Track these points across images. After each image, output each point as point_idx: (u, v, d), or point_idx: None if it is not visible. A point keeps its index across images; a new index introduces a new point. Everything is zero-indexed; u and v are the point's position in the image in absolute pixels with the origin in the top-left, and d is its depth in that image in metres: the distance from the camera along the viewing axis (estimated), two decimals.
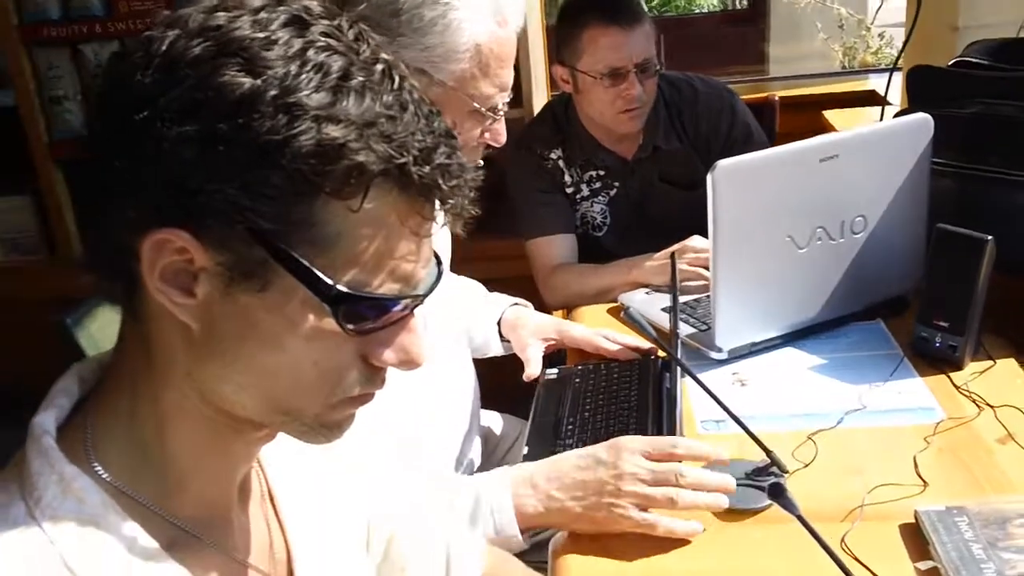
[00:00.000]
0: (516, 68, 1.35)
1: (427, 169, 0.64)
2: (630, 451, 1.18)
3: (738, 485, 1.22)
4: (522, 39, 2.26)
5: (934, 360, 1.49)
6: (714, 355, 1.51)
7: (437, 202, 0.67)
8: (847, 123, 2.55)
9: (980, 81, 1.60)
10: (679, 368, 1.28)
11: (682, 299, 1.73)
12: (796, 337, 1.58)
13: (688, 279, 1.76)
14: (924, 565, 1.06)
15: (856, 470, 1.26)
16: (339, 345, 0.67)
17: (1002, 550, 1.05)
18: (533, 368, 1.54)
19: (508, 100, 1.30)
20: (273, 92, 0.60)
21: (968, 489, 1.20)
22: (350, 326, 0.65)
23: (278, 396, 0.69)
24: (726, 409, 1.21)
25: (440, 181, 0.65)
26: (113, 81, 0.65)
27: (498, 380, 1.69)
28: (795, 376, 1.49)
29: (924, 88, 1.67)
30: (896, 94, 2.66)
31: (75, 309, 1.59)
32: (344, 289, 0.64)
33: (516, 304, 1.69)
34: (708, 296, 1.71)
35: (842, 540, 1.12)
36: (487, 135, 1.29)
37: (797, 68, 3.93)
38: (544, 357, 1.59)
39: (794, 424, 1.36)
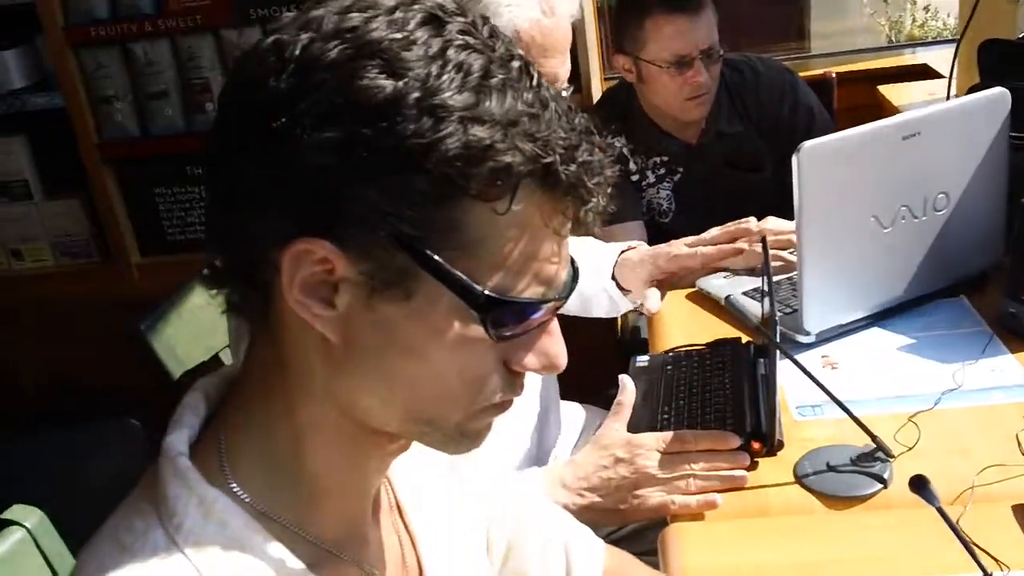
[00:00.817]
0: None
1: (572, 167, 0.62)
2: (646, 447, 1.25)
3: (844, 472, 1.22)
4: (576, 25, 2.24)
5: (1023, 336, 1.47)
6: (801, 338, 1.50)
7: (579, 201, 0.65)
8: (903, 98, 2.52)
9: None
10: (777, 354, 1.28)
11: (759, 282, 1.72)
12: (881, 317, 1.57)
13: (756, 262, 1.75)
14: None
15: (960, 451, 1.25)
16: (483, 352, 0.65)
17: None
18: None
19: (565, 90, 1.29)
20: (416, 94, 0.58)
21: None
22: (496, 332, 0.64)
23: (420, 406, 0.67)
24: (831, 395, 1.21)
25: (585, 179, 0.63)
26: (244, 87, 0.63)
27: (578, 371, 1.68)
28: (885, 357, 1.48)
29: (997, 62, 1.65)
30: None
31: (148, 315, 1.60)
32: (492, 294, 0.62)
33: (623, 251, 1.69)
34: (787, 278, 1.71)
35: (957, 523, 1.11)
36: None
37: (841, 44, 3.88)
38: (628, 344, 1.59)
39: (890, 407, 1.34)
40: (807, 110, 2.09)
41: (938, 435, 1.28)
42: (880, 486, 1.20)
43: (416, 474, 0.85)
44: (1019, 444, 1.24)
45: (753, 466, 1.25)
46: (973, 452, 1.24)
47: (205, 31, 2.46)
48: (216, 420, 0.71)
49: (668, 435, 1.26)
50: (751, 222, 1.71)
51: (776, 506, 1.20)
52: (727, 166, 2.11)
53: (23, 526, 1.06)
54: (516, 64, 0.62)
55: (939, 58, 2.86)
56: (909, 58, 3.04)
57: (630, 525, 1.38)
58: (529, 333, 0.66)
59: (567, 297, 0.68)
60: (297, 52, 0.60)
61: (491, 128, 0.59)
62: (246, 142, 0.62)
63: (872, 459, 1.22)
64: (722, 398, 1.36)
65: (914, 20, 3.84)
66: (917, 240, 1.55)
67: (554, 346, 0.68)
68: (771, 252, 1.73)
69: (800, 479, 1.23)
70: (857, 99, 2.54)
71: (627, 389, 1.33)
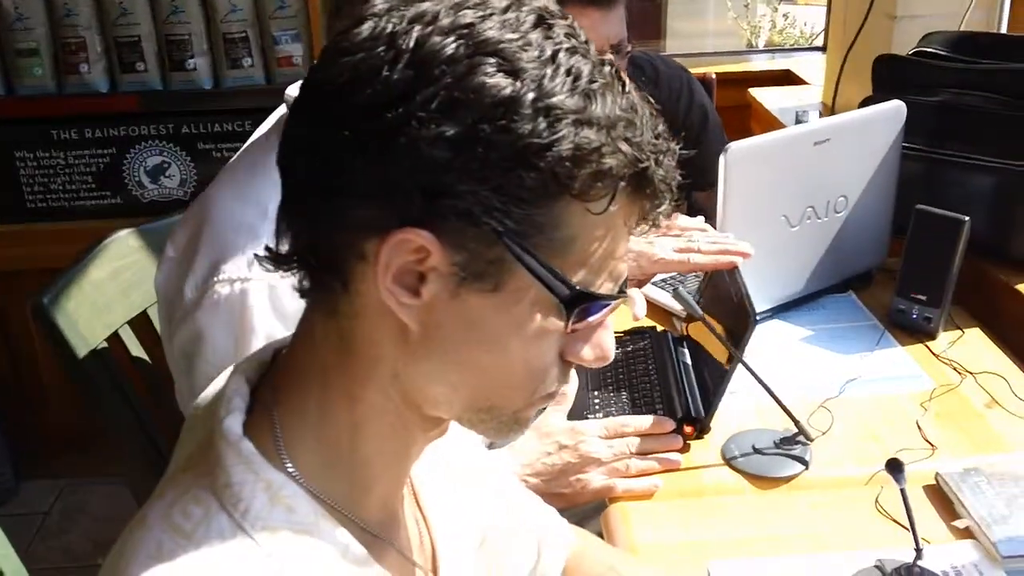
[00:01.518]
0: None
1: (661, 172, 0.65)
2: (588, 433, 1.29)
3: (769, 454, 1.30)
4: None
5: (911, 330, 1.61)
6: None
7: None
8: (773, 103, 2.67)
9: (947, 72, 1.71)
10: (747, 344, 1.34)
11: (667, 275, 1.80)
12: (782, 310, 1.67)
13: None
14: (961, 524, 1.16)
15: (870, 436, 1.35)
16: (551, 344, 0.67)
17: (1021, 508, 1.16)
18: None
19: None
20: (532, 95, 0.60)
21: (970, 450, 1.31)
22: (573, 326, 0.66)
23: (486, 395, 0.69)
24: (766, 387, 1.28)
25: (668, 183, 0.66)
26: (347, 76, 0.62)
27: None
28: (789, 348, 1.58)
29: (891, 76, 1.78)
30: (818, 74, 2.81)
31: (49, 288, 1.52)
32: (581, 290, 0.64)
33: None
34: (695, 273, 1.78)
35: (876, 502, 1.21)
36: None
37: (699, 45, 4.04)
38: None
39: (799, 394, 1.44)
40: (701, 109, 2.18)
41: (847, 421, 1.39)
42: (802, 468, 1.28)
43: (426, 460, 0.86)
44: (920, 430, 1.36)
45: (685, 448, 1.32)
46: (881, 437, 1.35)
47: None
48: (262, 403, 0.70)
49: (608, 421, 1.31)
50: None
51: (709, 486, 1.27)
52: None
53: None
54: (607, 69, 0.64)
55: (799, 64, 3.03)
56: (772, 63, 3.21)
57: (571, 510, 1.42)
58: (590, 326, 0.69)
59: (627, 294, 0.71)
60: (412, 44, 0.60)
61: (598, 131, 0.61)
62: (355, 130, 0.61)
63: (793, 442, 1.31)
64: (648, 384, 1.42)
65: (774, 26, 4.05)
66: (818, 239, 1.66)
67: (608, 339, 0.70)
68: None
69: (728, 461, 1.31)
70: (730, 100, 2.66)
71: (571, 379, 1.36)
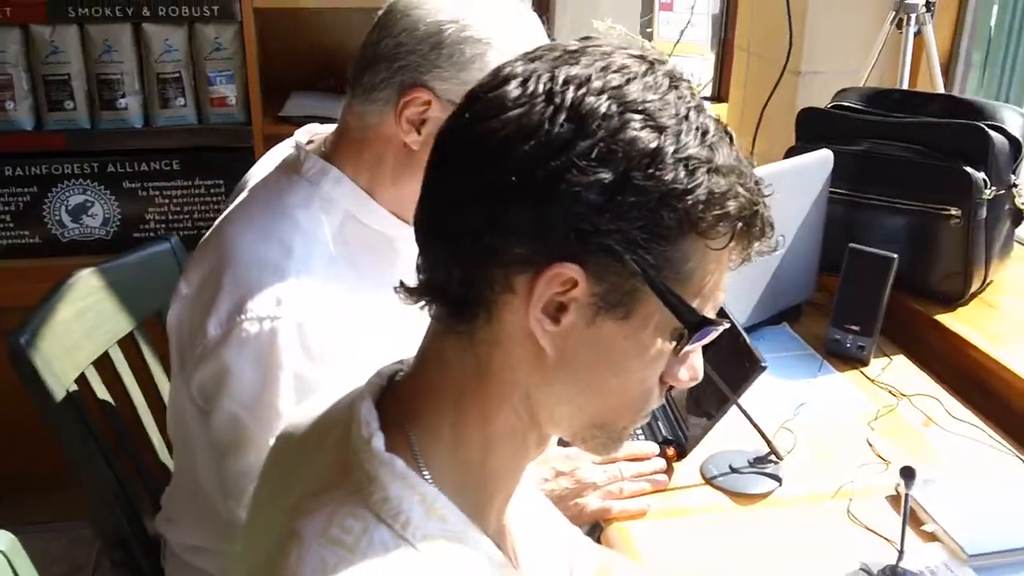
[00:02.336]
0: None
1: (766, 213, 0.74)
2: (583, 459, 1.37)
3: (745, 473, 1.41)
4: None
5: (845, 358, 1.75)
6: None
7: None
8: None
9: (865, 124, 1.89)
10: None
11: None
12: None
13: None
14: (928, 528, 1.28)
15: (828, 454, 1.48)
16: (660, 366, 0.75)
17: (976, 513, 1.30)
18: None
19: None
20: (672, 147, 0.68)
21: (919, 464, 1.44)
22: (683, 349, 0.74)
23: (604, 413, 0.77)
24: (745, 412, 1.39)
25: (772, 224, 0.75)
26: (507, 129, 0.69)
27: None
28: None
29: (813, 127, 1.95)
30: None
31: (23, 329, 1.50)
32: (704, 316, 0.73)
33: None
34: None
35: (848, 512, 1.33)
36: None
37: None
38: None
39: (758, 418, 1.55)
40: None
41: (806, 441, 1.51)
42: (776, 484, 1.40)
43: None
44: (871, 447, 1.50)
45: (669, 471, 1.41)
46: (838, 455, 1.48)
47: (13, 25, 2.28)
48: (393, 424, 0.75)
49: None
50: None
51: (696, 505, 1.37)
52: None
53: None
54: (720, 124, 0.74)
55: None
56: None
57: None
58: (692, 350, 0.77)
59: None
60: (569, 102, 0.68)
61: (724, 178, 0.70)
62: (521, 176, 0.68)
63: (766, 461, 1.43)
64: None
65: None
66: (760, 275, 1.80)
67: (700, 362, 0.79)
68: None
69: (709, 480, 1.41)
70: None
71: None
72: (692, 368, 0.78)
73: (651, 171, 0.68)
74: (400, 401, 0.77)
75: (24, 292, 2.36)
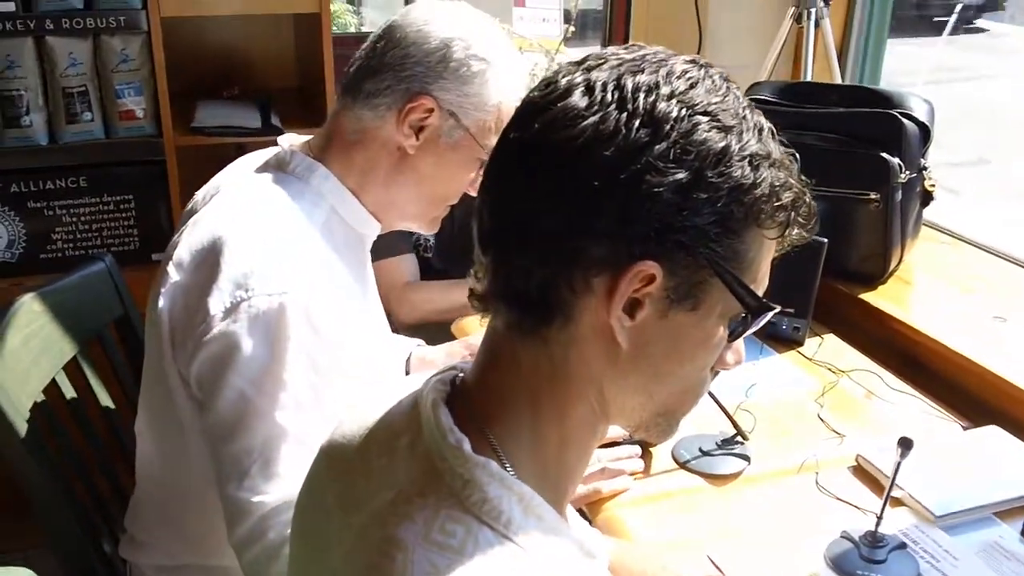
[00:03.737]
0: None
1: (811, 203, 0.79)
2: None
3: (716, 455, 1.48)
4: None
5: (782, 340, 1.85)
6: None
7: None
8: None
9: (784, 116, 1.99)
10: None
11: None
12: None
13: None
14: (895, 493, 1.37)
15: (785, 431, 1.56)
16: (718, 352, 0.80)
17: (935, 476, 1.41)
18: None
19: None
20: (738, 145, 0.73)
21: (871, 434, 1.55)
22: (740, 334, 0.79)
23: (672, 401, 0.81)
24: (713, 397, 1.46)
25: (816, 212, 0.80)
26: (583, 136, 0.72)
27: None
28: None
29: None
30: None
31: None
32: (765, 302, 0.77)
33: (419, 344, 1.70)
34: None
35: (817, 483, 1.42)
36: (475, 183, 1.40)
37: None
38: None
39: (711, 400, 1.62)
40: None
41: (762, 420, 1.59)
42: (746, 463, 1.47)
43: None
44: (823, 422, 1.59)
45: (647, 456, 1.47)
46: (794, 431, 1.56)
47: None
48: (470, 427, 0.76)
49: None
50: None
51: (675, 488, 1.43)
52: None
53: None
54: (767, 121, 0.79)
55: None
56: None
57: None
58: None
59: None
60: (643, 108, 0.72)
61: (781, 171, 0.76)
62: (603, 179, 0.71)
63: (733, 442, 1.50)
64: None
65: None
66: None
67: (743, 346, 0.84)
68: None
69: (683, 464, 1.47)
70: None
71: None
72: (737, 352, 0.83)
73: (721, 169, 0.72)
74: (473, 405, 0.79)
75: None
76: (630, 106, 0.72)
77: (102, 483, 1.63)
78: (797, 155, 0.80)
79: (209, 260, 1.22)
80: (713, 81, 0.75)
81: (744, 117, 0.75)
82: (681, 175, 0.71)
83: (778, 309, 0.80)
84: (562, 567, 0.74)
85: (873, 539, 1.24)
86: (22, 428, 1.41)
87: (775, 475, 1.46)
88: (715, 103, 0.74)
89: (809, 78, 2.33)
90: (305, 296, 1.19)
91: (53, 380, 1.59)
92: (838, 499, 1.39)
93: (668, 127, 0.71)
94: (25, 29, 2.22)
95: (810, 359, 1.79)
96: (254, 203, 1.29)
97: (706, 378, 0.82)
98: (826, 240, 1.80)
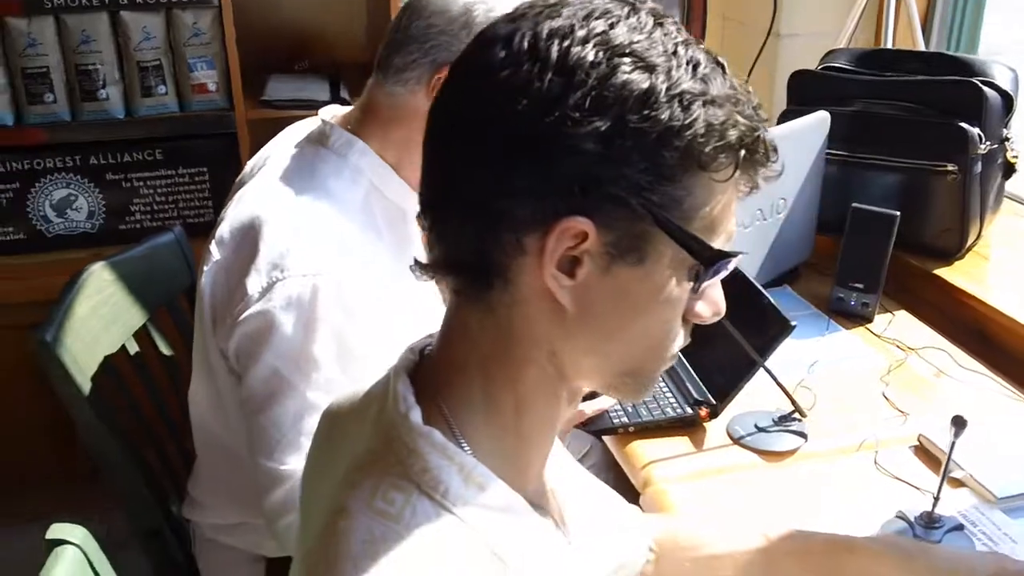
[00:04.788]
0: None
1: (768, 138, 0.73)
2: None
3: (772, 431, 1.44)
4: None
5: (850, 316, 1.79)
6: None
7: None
8: None
9: (857, 84, 1.92)
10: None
11: None
12: None
13: None
14: (956, 474, 1.33)
15: (848, 409, 1.52)
16: (680, 305, 0.74)
17: (1000, 457, 1.35)
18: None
19: None
20: (665, 85, 0.67)
21: (936, 414, 1.49)
22: (701, 285, 0.73)
23: (631, 359, 0.76)
24: (770, 373, 1.42)
25: (775, 148, 0.74)
26: (499, 94, 0.68)
27: None
28: None
29: (805, 90, 1.98)
30: None
31: (47, 326, 1.48)
32: (717, 249, 0.72)
33: None
34: None
35: (875, 463, 1.37)
36: None
37: None
38: None
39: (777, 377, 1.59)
40: None
41: (824, 398, 1.54)
42: (803, 440, 1.43)
43: None
44: (887, 400, 1.54)
45: (701, 431, 1.44)
46: (857, 409, 1.52)
47: None
48: (426, 397, 0.76)
49: None
50: None
51: (727, 464, 1.40)
52: None
53: (74, 543, 0.98)
54: (712, 55, 0.73)
55: None
56: None
57: None
58: (711, 285, 0.77)
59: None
60: (555, 56, 0.68)
61: (720, 108, 0.70)
62: (518, 137, 0.68)
63: (790, 419, 1.46)
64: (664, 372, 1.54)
65: None
66: (763, 238, 1.83)
67: (720, 296, 0.78)
68: None
69: (737, 440, 1.44)
70: None
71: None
72: (713, 303, 0.77)
73: (646, 112, 0.67)
74: (431, 374, 0.78)
75: (12, 290, 2.36)
76: (543, 55, 0.68)
77: (170, 447, 1.68)
78: (751, 89, 0.74)
79: (248, 240, 1.25)
80: (639, 18, 0.70)
81: (675, 53, 0.69)
82: (600, 124, 0.66)
83: (737, 255, 0.75)
84: (498, 538, 0.72)
85: (929, 519, 1.20)
86: (87, 390, 1.45)
87: (832, 453, 1.42)
88: (639, 41, 0.69)
89: (890, 46, 2.24)
90: (339, 277, 1.22)
91: (123, 347, 1.63)
92: (897, 478, 1.34)
93: (583, 74, 0.67)
94: (100, 4, 2.27)
95: (878, 336, 1.74)
96: (292, 182, 1.30)
97: (674, 333, 0.76)
98: (898, 213, 1.73)
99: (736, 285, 1.54)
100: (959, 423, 1.09)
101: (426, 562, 0.67)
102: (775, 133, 1.79)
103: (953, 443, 1.10)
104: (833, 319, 1.79)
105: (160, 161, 2.47)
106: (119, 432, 1.49)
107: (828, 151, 1.89)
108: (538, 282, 0.70)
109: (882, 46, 2.24)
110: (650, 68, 0.68)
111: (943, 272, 1.87)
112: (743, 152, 0.71)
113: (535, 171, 0.67)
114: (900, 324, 1.78)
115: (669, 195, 0.69)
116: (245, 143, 2.45)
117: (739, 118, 0.70)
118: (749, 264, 1.82)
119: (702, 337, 1.59)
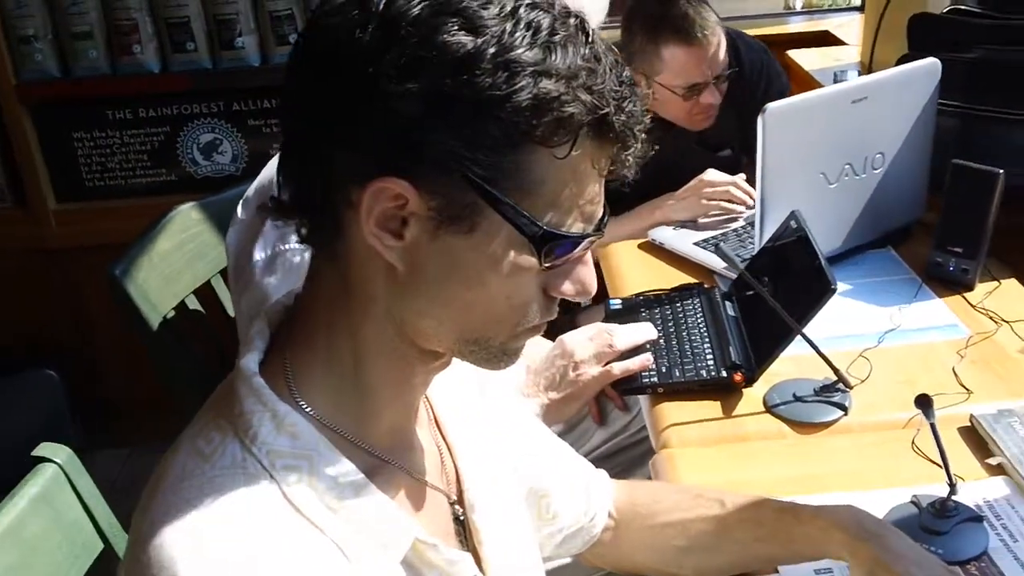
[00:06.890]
0: None
1: (623, 117, 0.69)
2: (577, 341, 1.45)
3: (810, 402, 1.36)
4: None
5: (948, 282, 1.65)
6: None
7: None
8: (813, 63, 2.69)
9: (981, 28, 1.74)
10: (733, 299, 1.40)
11: (707, 234, 1.85)
12: None
13: (706, 215, 1.90)
14: (993, 460, 1.21)
15: (907, 383, 1.40)
16: (529, 280, 0.72)
17: None
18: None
19: None
20: (492, 50, 0.64)
21: (1005, 394, 1.36)
22: (545, 262, 0.71)
23: (472, 327, 0.74)
24: (806, 337, 1.34)
25: (632, 127, 0.70)
26: (328, 36, 0.68)
27: None
28: (829, 302, 1.62)
29: (925, 34, 1.81)
30: (856, 34, 2.83)
31: (120, 259, 1.60)
32: (548, 229, 0.69)
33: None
34: (733, 230, 1.85)
35: (912, 443, 1.27)
36: None
37: (739, 8, 4.02)
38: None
39: (838, 345, 1.47)
40: (779, 90, 2.18)
41: (885, 369, 1.44)
42: (841, 413, 1.34)
43: (452, 395, 0.93)
44: (955, 376, 1.41)
45: (736, 396, 1.38)
46: (917, 383, 1.40)
47: None
48: (279, 342, 0.78)
49: (591, 328, 1.48)
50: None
51: (752, 432, 1.34)
52: (698, 144, 2.17)
53: (55, 462, 1.08)
54: (573, 21, 0.69)
55: (837, 25, 3.04)
56: (808, 24, 3.22)
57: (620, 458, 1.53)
58: (569, 263, 0.74)
59: (602, 232, 0.76)
60: (381, 7, 0.66)
61: (557, 82, 0.66)
62: (333, 89, 0.67)
63: (833, 390, 1.37)
64: (698, 337, 1.48)
65: None
66: (856, 195, 1.70)
67: (588, 275, 0.76)
68: (715, 201, 1.87)
69: (770, 409, 1.36)
70: None
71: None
72: (579, 282, 0.75)
73: (464, 77, 0.64)
74: (288, 320, 0.79)
75: None
76: (372, 7, 0.66)
77: None
78: (620, 61, 0.70)
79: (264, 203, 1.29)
80: None
81: (512, 15, 0.66)
82: (416, 85, 0.64)
83: (577, 237, 0.71)
84: (294, 488, 0.72)
85: (942, 507, 1.10)
86: (155, 321, 1.57)
87: (872, 428, 1.32)
88: (475, 2, 0.66)
89: None
90: None
91: (208, 283, 1.75)
92: (930, 460, 1.23)
93: (405, 30, 0.65)
94: None
95: (973, 305, 1.59)
96: None
97: (525, 306, 0.74)
98: (1000, 172, 1.56)
99: (797, 245, 1.47)
100: (923, 403, 0.99)
101: (215, 504, 0.69)
102: (872, 80, 1.66)
103: (932, 424, 1.00)
104: (928, 285, 1.65)
105: None
106: (191, 364, 1.61)
107: (944, 102, 1.72)
108: (365, 237, 0.70)
109: None
110: (477, 30, 0.65)
111: None
112: (586, 130, 0.68)
113: (354, 124, 0.67)
114: (1003, 293, 1.62)
115: (498, 168, 0.67)
116: None
117: (582, 94, 0.67)
118: (837, 222, 1.70)
119: (756, 299, 1.54)
